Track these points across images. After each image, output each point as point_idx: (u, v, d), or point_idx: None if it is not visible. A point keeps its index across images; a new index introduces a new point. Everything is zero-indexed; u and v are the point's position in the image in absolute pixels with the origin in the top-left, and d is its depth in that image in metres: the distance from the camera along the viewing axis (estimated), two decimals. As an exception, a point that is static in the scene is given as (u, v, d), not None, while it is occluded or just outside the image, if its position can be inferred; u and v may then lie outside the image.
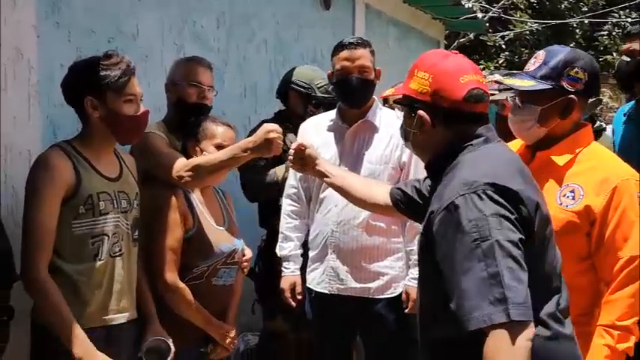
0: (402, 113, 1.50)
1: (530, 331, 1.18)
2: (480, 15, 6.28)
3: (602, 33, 8.57)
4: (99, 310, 1.86)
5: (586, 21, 8.24)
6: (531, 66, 1.78)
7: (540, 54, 1.79)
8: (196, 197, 2.20)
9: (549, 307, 1.32)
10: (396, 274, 2.37)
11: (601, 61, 7.72)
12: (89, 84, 1.84)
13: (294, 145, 1.94)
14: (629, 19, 8.35)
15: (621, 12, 8.34)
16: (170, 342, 2.05)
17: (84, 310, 1.83)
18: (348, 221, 2.33)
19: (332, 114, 2.47)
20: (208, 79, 2.34)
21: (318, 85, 2.85)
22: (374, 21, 5.07)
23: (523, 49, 8.29)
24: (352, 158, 2.36)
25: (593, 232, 1.70)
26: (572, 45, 8.42)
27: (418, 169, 2.37)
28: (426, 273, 1.40)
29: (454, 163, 1.38)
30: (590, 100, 1.82)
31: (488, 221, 1.21)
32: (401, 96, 1.51)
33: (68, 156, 1.85)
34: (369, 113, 2.39)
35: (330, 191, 2.35)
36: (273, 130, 2.01)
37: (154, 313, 2.07)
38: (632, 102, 2.59)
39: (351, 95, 2.36)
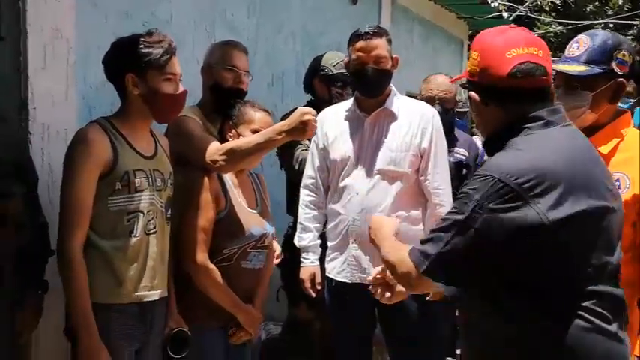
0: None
1: (417, 279, 1.40)
2: (505, 15, 6.27)
3: (628, 36, 8.53)
4: (133, 286, 1.88)
5: (611, 24, 8.17)
6: (575, 51, 1.77)
7: (583, 38, 1.78)
8: (229, 179, 2.22)
9: (594, 305, 1.30)
10: None
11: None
12: (131, 61, 1.87)
13: (373, 273, 1.88)
14: (655, 24, 8.29)
15: (646, 16, 8.29)
16: (187, 330, 2.06)
17: (118, 286, 1.86)
18: (370, 209, 2.33)
19: (349, 103, 2.48)
20: (244, 63, 2.35)
21: (333, 64, 2.86)
22: (400, 17, 5.08)
23: (547, 52, 8.26)
24: (372, 147, 2.37)
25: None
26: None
27: (438, 156, 2.40)
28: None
29: (506, 145, 1.37)
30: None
31: (473, 205, 1.30)
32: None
33: (106, 132, 1.87)
34: (387, 101, 2.40)
35: (350, 180, 2.38)
36: (307, 112, 2.02)
37: (173, 295, 2.07)
38: None
39: (367, 85, 2.37)
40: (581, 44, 1.76)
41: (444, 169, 2.42)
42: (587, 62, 1.73)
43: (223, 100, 2.28)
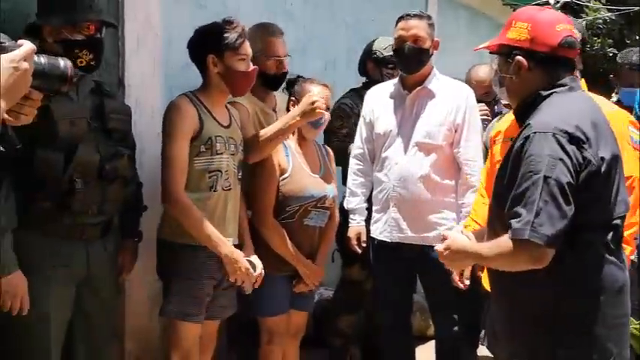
0: (497, 62, 1.68)
1: (542, 254, 1.43)
2: (552, 1, 6.35)
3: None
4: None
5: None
6: None
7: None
8: (293, 147, 2.54)
9: (606, 237, 1.54)
10: (450, 225, 2.61)
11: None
12: (212, 44, 2.22)
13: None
14: None
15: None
16: (261, 265, 2.35)
17: (203, 233, 2.20)
18: (407, 177, 2.60)
19: (394, 82, 2.76)
20: (284, 48, 2.59)
21: (384, 47, 3.12)
22: (446, 5, 5.27)
23: (595, 39, 8.19)
24: (411, 122, 2.64)
25: None
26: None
27: (470, 130, 2.63)
28: (500, 192, 1.61)
29: (538, 107, 1.58)
30: None
31: (544, 160, 1.44)
32: (495, 48, 1.68)
33: (193, 103, 2.23)
34: (426, 81, 2.66)
35: (390, 151, 2.65)
36: (314, 95, 2.36)
37: (249, 242, 2.40)
38: None
39: (405, 61, 2.62)
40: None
41: (476, 142, 2.67)
42: None
43: (269, 86, 2.57)
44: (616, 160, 1.56)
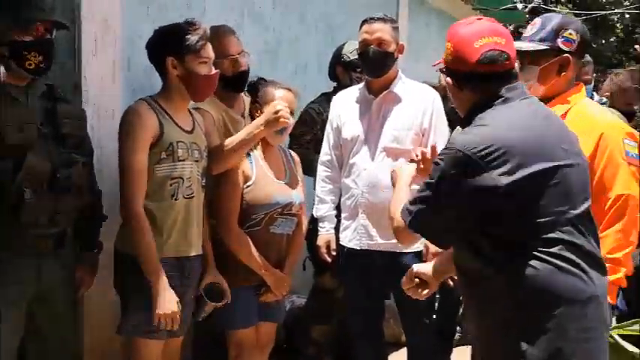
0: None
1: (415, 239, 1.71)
2: (520, 6, 6.41)
3: (645, 27, 8.55)
4: (174, 243, 2.14)
5: (627, 15, 8.22)
6: (529, 31, 2.00)
7: (537, 20, 2.01)
8: (257, 153, 2.46)
9: (556, 249, 1.48)
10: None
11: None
12: (172, 46, 2.12)
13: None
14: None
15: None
16: (225, 285, 2.30)
17: (163, 242, 2.12)
18: (376, 183, 2.56)
19: (360, 86, 2.72)
20: (237, 46, 2.49)
21: (351, 51, 3.10)
22: (417, 9, 5.27)
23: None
24: (378, 127, 2.61)
25: None
26: (612, 39, 8.38)
27: (437, 134, 2.61)
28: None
29: (472, 122, 1.58)
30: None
31: (439, 171, 1.54)
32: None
33: (152, 108, 2.13)
34: (392, 85, 2.63)
35: (358, 157, 2.61)
36: (278, 104, 2.29)
37: (211, 254, 2.32)
38: None
39: (370, 65, 2.59)
40: (534, 25, 2.00)
41: (443, 146, 2.64)
42: (539, 40, 1.95)
43: (230, 88, 2.47)
44: (553, 171, 1.51)
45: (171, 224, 2.13)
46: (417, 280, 1.90)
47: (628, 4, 8.26)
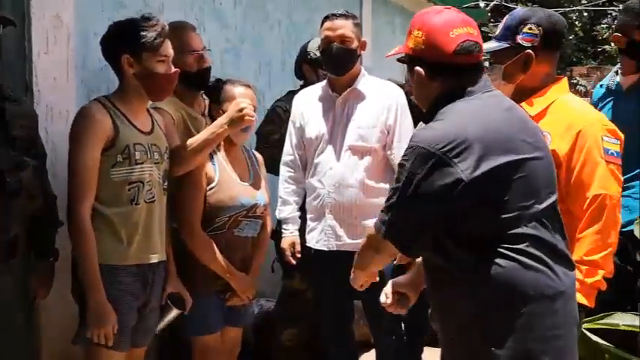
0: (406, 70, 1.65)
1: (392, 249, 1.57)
2: (482, 4, 6.48)
3: (602, 24, 8.75)
4: (135, 250, 2.06)
5: (585, 13, 8.42)
6: (497, 30, 1.98)
7: (505, 18, 1.98)
8: (220, 154, 2.39)
9: (522, 245, 1.46)
10: None
11: (600, 51, 7.89)
12: (127, 43, 2.03)
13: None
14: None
15: (620, 5, 8.55)
16: (187, 295, 2.24)
17: (122, 249, 2.03)
18: (342, 182, 2.53)
19: (322, 84, 2.67)
20: (199, 41, 2.41)
21: (316, 48, 3.01)
22: (380, 8, 5.25)
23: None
24: (343, 125, 2.57)
25: (560, 175, 1.81)
26: (571, 37, 8.55)
27: (402, 131, 2.58)
28: None
29: (437, 114, 1.53)
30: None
31: (406, 173, 1.49)
32: (403, 55, 1.62)
33: (107, 109, 2.04)
34: (355, 82, 2.59)
35: (323, 156, 2.56)
36: (242, 102, 2.22)
37: (172, 261, 2.24)
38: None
39: (333, 63, 2.55)
40: (502, 23, 1.98)
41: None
42: (501, 39, 1.93)
43: (194, 86, 2.39)
44: (517, 164, 1.48)
45: (131, 230, 2.04)
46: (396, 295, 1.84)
47: (585, 1, 8.47)
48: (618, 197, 1.86)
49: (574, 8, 7.99)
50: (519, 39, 1.92)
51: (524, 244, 1.47)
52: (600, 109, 2.53)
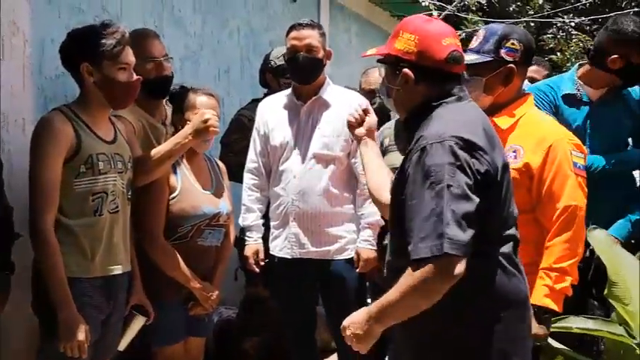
0: (384, 71, 1.65)
1: (459, 265, 1.37)
2: (435, 13, 6.63)
3: (548, 35, 9.12)
4: (99, 261, 2.02)
5: (532, 23, 8.76)
6: (474, 43, 2.04)
7: (481, 32, 2.05)
8: (182, 163, 2.37)
9: (505, 249, 1.53)
10: (351, 237, 2.60)
11: (546, 60, 8.19)
12: (86, 51, 1.99)
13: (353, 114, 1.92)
14: (573, 23, 8.94)
15: (565, 16, 8.93)
16: (150, 308, 2.22)
17: (86, 261, 1.99)
18: (306, 190, 2.54)
19: (285, 92, 2.69)
20: (160, 49, 2.38)
21: (277, 56, 3.08)
22: (337, 15, 5.33)
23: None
24: (307, 133, 2.59)
25: (532, 187, 1.93)
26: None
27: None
28: (399, 212, 1.52)
29: (429, 117, 1.54)
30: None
31: (445, 169, 1.41)
32: (382, 56, 1.63)
33: (68, 119, 2.00)
34: (320, 91, 2.62)
35: (288, 164, 2.57)
36: (206, 112, 2.21)
37: (136, 271, 2.22)
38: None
39: (299, 72, 2.56)
40: (478, 37, 2.04)
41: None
42: (482, 52, 1.99)
43: (152, 93, 2.36)
44: (506, 169, 1.54)
45: (95, 242, 2.01)
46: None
47: (532, 12, 8.81)
48: (584, 209, 1.95)
49: (522, 20, 8.29)
50: (503, 53, 1.98)
51: (508, 247, 1.52)
52: (568, 117, 2.58)
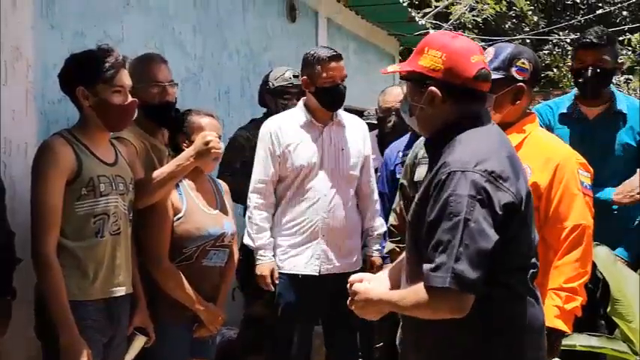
0: (407, 89, 1.60)
1: (467, 300, 1.36)
2: (431, 32, 6.70)
3: (544, 51, 9.23)
4: (101, 283, 2.02)
5: (528, 40, 8.87)
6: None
7: (490, 50, 2.07)
8: (186, 183, 2.38)
9: (525, 277, 1.49)
10: (358, 247, 2.82)
11: (543, 76, 8.30)
12: (81, 75, 2.02)
13: None
14: (568, 39, 9.05)
15: (560, 32, 9.05)
16: (151, 332, 2.20)
17: (88, 284, 1.99)
18: (337, 207, 2.70)
19: (296, 113, 2.76)
20: (166, 74, 2.39)
21: (275, 78, 3.13)
22: (335, 34, 5.37)
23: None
24: (332, 152, 2.74)
25: (540, 206, 1.93)
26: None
27: (371, 160, 2.86)
28: (418, 235, 1.49)
29: (454, 140, 1.48)
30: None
31: (465, 201, 1.37)
32: (406, 73, 1.58)
33: (69, 142, 2.01)
34: (337, 112, 2.78)
35: (315, 182, 2.69)
36: (208, 134, 2.24)
37: (141, 292, 2.21)
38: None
39: (337, 100, 2.73)
40: (489, 54, 2.05)
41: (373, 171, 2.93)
42: (493, 70, 1.97)
43: (155, 118, 2.37)
44: (529, 197, 1.51)
45: (97, 264, 2.01)
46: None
47: (528, 29, 8.92)
48: (592, 228, 1.95)
49: (518, 37, 8.39)
50: (513, 72, 2.00)
51: (528, 276, 1.50)
52: (559, 135, 2.59)
